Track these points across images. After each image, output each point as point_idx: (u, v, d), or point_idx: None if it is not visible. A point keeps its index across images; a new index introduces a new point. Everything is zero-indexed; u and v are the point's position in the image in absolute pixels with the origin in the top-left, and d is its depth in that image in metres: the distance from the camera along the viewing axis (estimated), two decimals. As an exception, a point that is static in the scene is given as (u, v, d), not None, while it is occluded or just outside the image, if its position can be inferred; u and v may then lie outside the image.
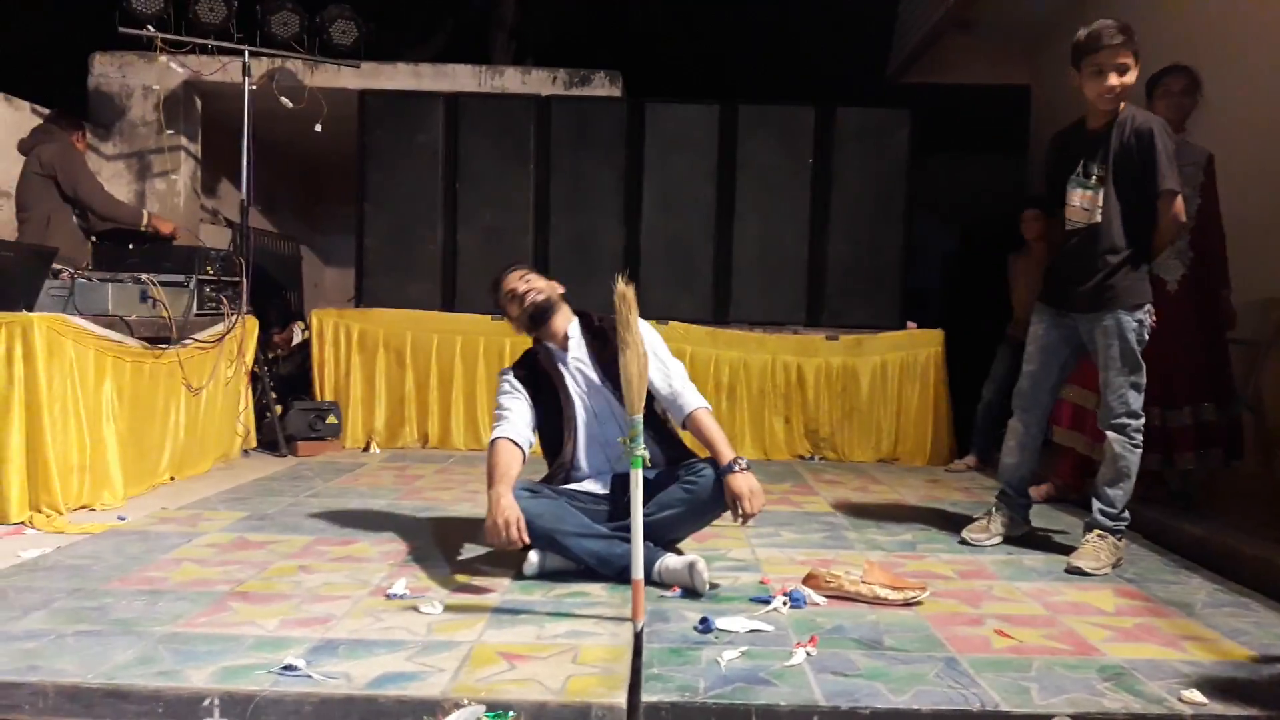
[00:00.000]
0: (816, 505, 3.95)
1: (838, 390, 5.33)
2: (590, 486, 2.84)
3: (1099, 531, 2.99)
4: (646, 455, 2.27)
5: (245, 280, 4.77)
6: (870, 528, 3.52)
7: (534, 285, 2.89)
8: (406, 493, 3.93)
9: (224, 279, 4.65)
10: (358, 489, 4.00)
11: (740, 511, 2.58)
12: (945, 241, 4.63)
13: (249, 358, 4.84)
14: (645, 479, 2.79)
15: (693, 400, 2.79)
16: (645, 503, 2.66)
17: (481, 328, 5.36)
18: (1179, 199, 2.92)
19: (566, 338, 2.88)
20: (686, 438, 2.91)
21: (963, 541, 3.26)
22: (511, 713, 1.75)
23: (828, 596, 2.55)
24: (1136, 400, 2.96)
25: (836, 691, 1.91)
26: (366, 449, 5.20)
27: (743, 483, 2.59)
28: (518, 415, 2.80)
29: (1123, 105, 2.97)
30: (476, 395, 5.33)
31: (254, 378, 4.96)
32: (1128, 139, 2.92)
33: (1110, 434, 3.00)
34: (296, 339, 6.32)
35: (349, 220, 5.81)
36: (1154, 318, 3.02)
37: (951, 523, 3.60)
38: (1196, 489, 3.73)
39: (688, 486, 2.70)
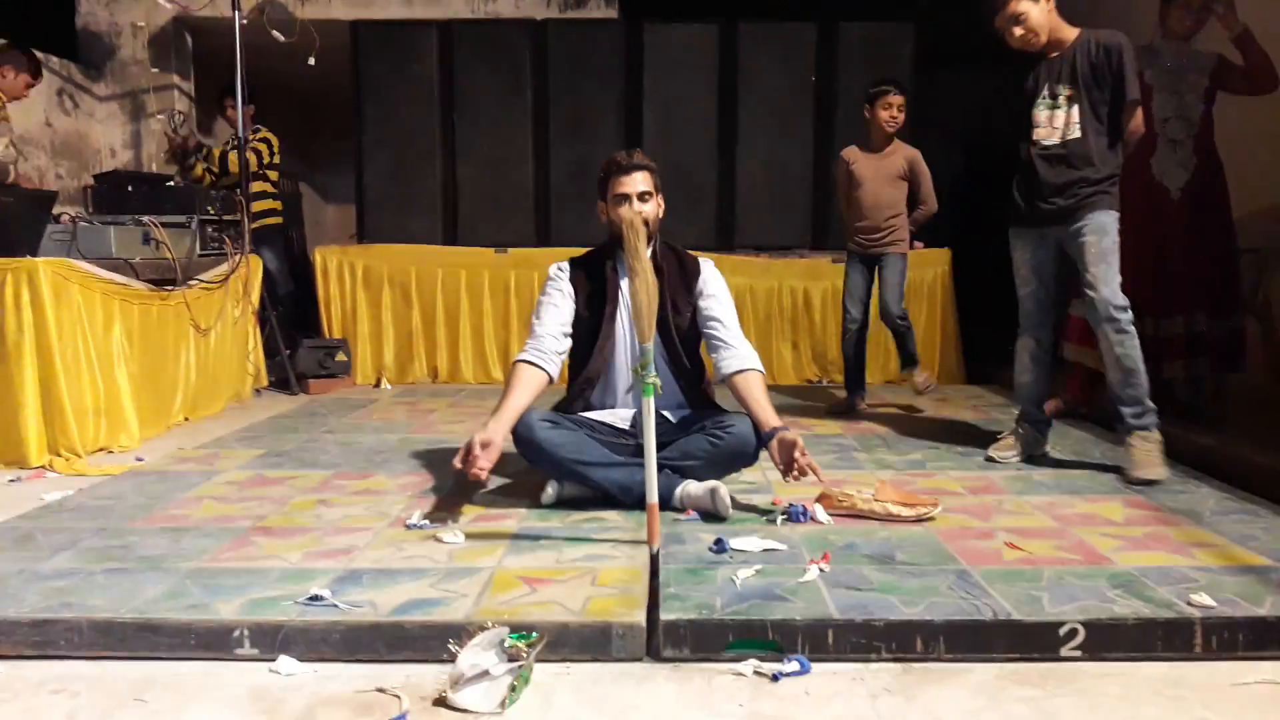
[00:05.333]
0: (826, 428, 3.98)
1: (844, 313, 5.30)
2: (611, 419, 2.84)
3: (1139, 434, 3.00)
4: (658, 382, 2.27)
5: (246, 218, 4.74)
6: (880, 448, 3.55)
7: (652, 211, 2.75)
8: (419, 427, 3.96)
9: (225, 218, 4.62)
10: (371, 424, 4.03)
11: (796, 466, 2.51)
12: (951, 159, 4.54)
13: (255, 297, 4.84)
14: (668, 420, 2.82)
15: (750, 357, 2.76)
16: (667, 446, 2.69)
17: (485, 261, 5.35)
18: (1139, 110, 2.99)
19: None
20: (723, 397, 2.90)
21: (989, 459, 3.29)
22: (535, 634, 1.79)
23: (842, 515, 2.59)
24: (1120, 292, 2.99)
25: (850, 605, 1.95)
26: (377, 385, 5.23)
27: (793, 439, 2.52)
28: (550, 327, 2.75)
29: (1079, 30, 3.06)
30: (484, 329, 5.35)
31: (261, 317, 4.96)
32: (1096, 56, 2.99)
33: (1104, 327, 2.99)
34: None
35: (347, 156, 5.75)
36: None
37: (960, 440, 3.63)
38: (1206, 400, 3.74)
39: (714, 439, 2.69)
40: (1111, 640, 1.87)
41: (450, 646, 1.74)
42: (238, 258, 4.59)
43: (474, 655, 1.68)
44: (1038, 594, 2.01)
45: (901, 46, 5.43)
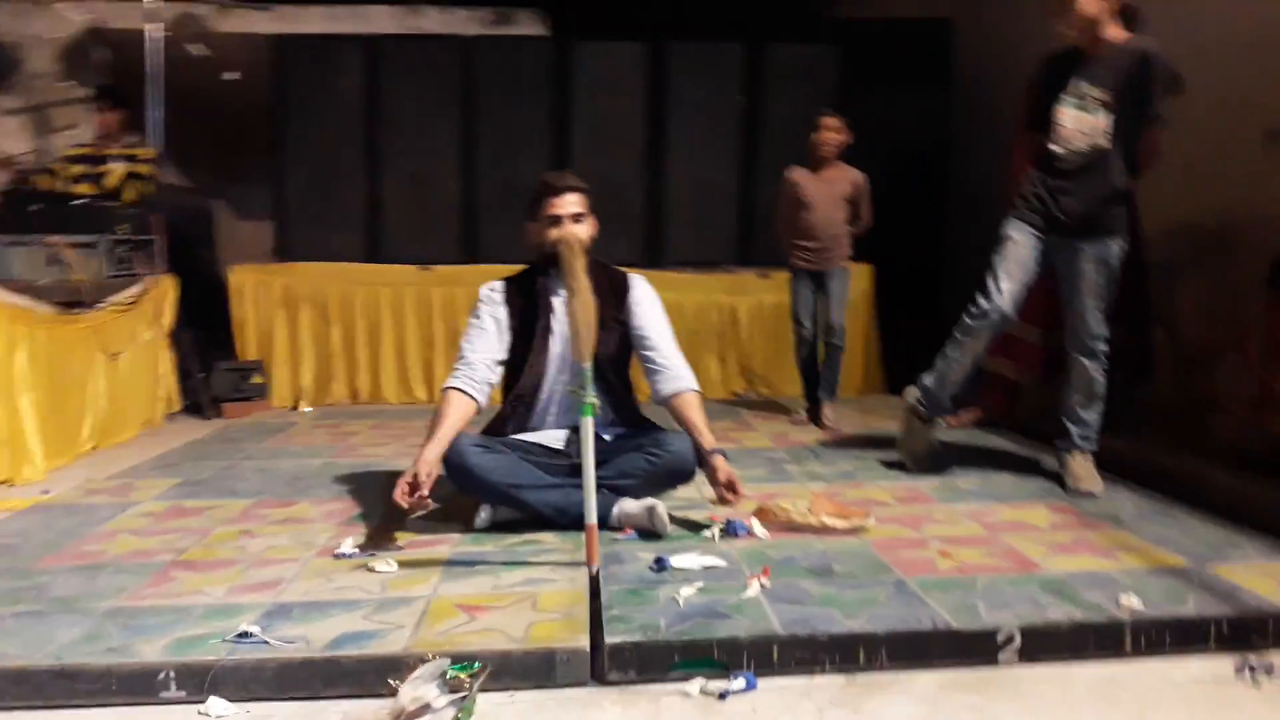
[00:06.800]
0: (756, 441, 4.01)
1: (770, 328, 5.37)
2: (545, 439, 2.80)
3: (1081, 453, 3.08)
4: (596, 403, 2.25)
5: (161, 238, 4.58)
6: (809, 460, 3.59)
7: (585, 232, 2.74)
8: (342, 450, 3.85)
9: (137, 238, 4.45)
10: (291, 449, 3.90)
11: (723, 497, 2.58)
12: (873, 177, 4.62)
13: (167, 319, 4.65)
14: (603, 439, 2.79)
15: (685, 377, 2.76)
16: (603, 465, 2.65)
17: (408, 278, 5.25)
18: (1158, 132, 2.91)
19: None
20: (654, 412, 2.89)
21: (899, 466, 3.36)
22: (477, 664, 1.75)
23: (778, 529, 2.61)
24: (1105, 324, 3.02)
25: (793, 620, 1.96)
26: (295, 408, 5.07)
27: (715, 464, 2.59)
28: (480, 353, 2.72)
29: (1130, 36, 2.89)
30: (406, 348, 5.24)
31: (174, 340, 4.77)
32: (1132, 65, 2.85)
33: (1083, 359, 3.04)
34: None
35: (264, 171, 5.59)
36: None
37: (886, 450, 3.68)
38: (1119, 408, 3.88)
39: (651, 458, 2.67)
40: (1047, 644, 1.92)
41: (390, 681, 1.68)
42: (150, 279, 4.41)
43: (416, 688, 1.63)
44: (973, 602, 2.05)
45: (826, 68, 5.52)
